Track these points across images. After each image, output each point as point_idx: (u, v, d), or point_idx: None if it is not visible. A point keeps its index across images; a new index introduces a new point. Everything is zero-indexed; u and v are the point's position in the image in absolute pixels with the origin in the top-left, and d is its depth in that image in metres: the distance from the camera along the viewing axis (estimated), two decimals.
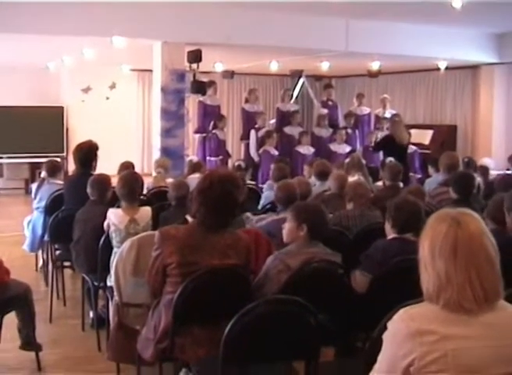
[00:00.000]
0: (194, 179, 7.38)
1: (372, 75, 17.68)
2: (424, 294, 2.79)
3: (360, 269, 5.14)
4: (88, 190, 7.15)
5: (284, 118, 15.85)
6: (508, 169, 12.48)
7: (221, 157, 14.96)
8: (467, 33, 15.40)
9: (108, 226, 6.50)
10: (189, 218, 4.88)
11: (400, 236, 5.22)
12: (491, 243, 2.76)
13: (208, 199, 4.40)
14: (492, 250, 2.75)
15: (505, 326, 2.74)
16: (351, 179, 8.89)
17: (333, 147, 15.21)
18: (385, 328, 2.84)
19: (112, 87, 20.66)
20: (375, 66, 16.82)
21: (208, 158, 14.82)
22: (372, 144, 14.84)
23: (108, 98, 20.57)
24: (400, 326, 2.74)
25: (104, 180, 7.23)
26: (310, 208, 5.18)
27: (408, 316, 2.75)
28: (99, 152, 8.48)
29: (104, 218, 6.54)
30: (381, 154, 13.88)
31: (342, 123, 16.55)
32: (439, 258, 2.72)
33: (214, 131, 14.93)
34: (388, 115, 16.11)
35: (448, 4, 11.23)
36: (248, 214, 6.95)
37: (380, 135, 14.83)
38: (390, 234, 5.32)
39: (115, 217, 6.49)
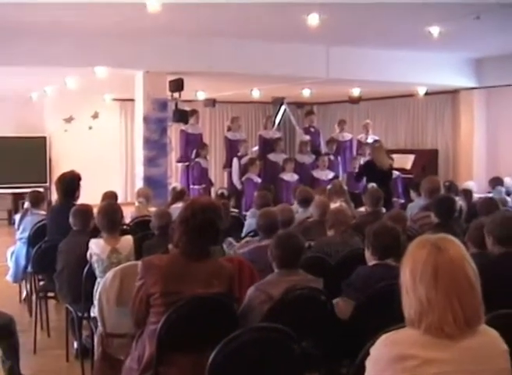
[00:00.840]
0: (177, 209, 7.38)
1: (353, 101, 17.83)
2: (406, 319, 2.81)
3: (342, 296, 5.15)
4: (71, 220, 7.14)
5: (267, 145, 15.88)
6: (490, 192, 12.55)
7: (204, 185, 14.98)
8: (446, 58, 15.55)
9: (91, 256, 6.50)
10: (171, 247, 4.89)
11: (380, 262, 5.24)
12: (471, 268, 2.79)
13: (190, 228, 4.41)
14: (472, 275, 2.77)
15: (486, 351, 2.76)
16: (333, 205, 8.93)
17: (316, 173, 15.23)
18: (367, 354, 2.86)
19: (95, 116, 20.70)
20: (355, 92, 16.96)
21: (191, 186, 14.84)
22: (356, 170, 14.90)
23: (90, 128, 20.60)
24: (382, 351, 2.77)
25: (86, 210, 7.23)
26: (279, 239, 5.21)
27: (390, 341, 2.78)
28: (82, 182, 8.48)
29: (87, 248, 6.53)
30: (364, 180, 13.89)
31: (324, 149, 16.57)
32: (421, 284, 2.74)
33: (197, 160, 14.97)
34: (370, 140, 16.22)
35: (426, 31, 11.38)
36: (230, 239, 6.97)
37: (363, 161, 14.87)
38: (371, 261, 5.34)
39: (96, 247, 6.48)
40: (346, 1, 9.91)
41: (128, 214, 9.52)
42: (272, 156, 15.49)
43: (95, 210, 7.10)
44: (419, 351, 2.69)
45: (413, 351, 2.70)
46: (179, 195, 10.86)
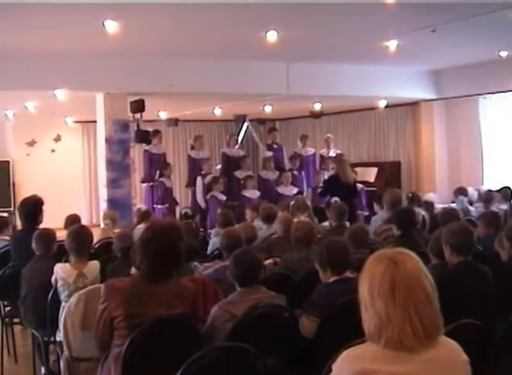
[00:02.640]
0: (140, 230, 7.39)
1: (315, 116, 17.87)
2: (366, 333, 2.83)
3: (306, 314, 5.16)
4: (33, 245, 7.10)
5: (230, 163, 15.89)
6: (453, 202, 12.67)
7: (168, 205, 14.94)
8: (405, 71, 15.71)
9: (56, 280, 6.46)
10: (133, 271, 4.89)
11: (339, 277, 5.27)
12: (428, 280, 2.82)
13: (151, 251, 4.43)
14: (429, 287, 2.80)
15: (446, 362, 2.79)
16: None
17: (280, 189, 15.25)
18: (329, 370, 2.88)
19: (57, 139, 20.60)
20: (317, 107, 17.02)
21: (155, 206, 14.80)
22: (321, 185, 14.92)
23: (53, 151, 20.50)
24: (343, 367, 2.79)
25: (48, 234, 7.19)
26: (235, 258, 5.27)
27: (351, 356, 2.80)
28: (46, 206, 8.45)
29: (51, 273, 6.49)
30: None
31: (288, 165, 16.64)
32: (378, 299, 2.76)
33: (160, 179, 14.94)
34: (333, 154, 16.29)
35: (384, 45, 11.48)
36: (195, 263, 6.95)
37: (327, 175, 14.92)
38: (329, 278, 5.35)
39: (62, 272, 6.44)
40: (303, 17, 10.02)
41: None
42: (238, 173, 15.49)
43: (59, 234, 7.08)
44: (380, 366, 2.71)
45: (374, 365, 2.72)
46: (144, 216, 10.87)
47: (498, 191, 12.58)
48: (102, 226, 10.78)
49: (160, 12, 9.40)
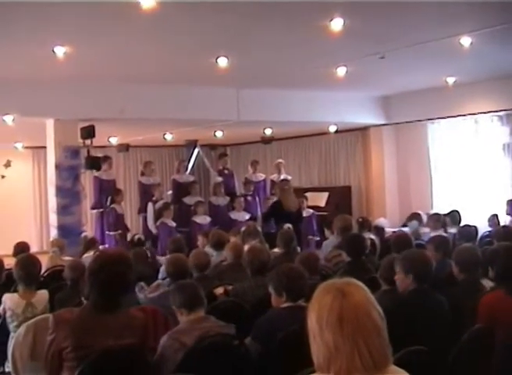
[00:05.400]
0: (89, 258, 7.33)
1: (266, 141, 17.94)
2: (315, 364, 2.81)
3: (250, 338, 5.17)
4: None
5: (181, 189, 15.84)
6: (405, 226, 12.76)
7: (120, 231, 14.82)
8: (355, 96, 15.88)
9: (4, 310, 6.40)
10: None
11: (292, 304, 5.29)
12: (376, 311, 2.81)
13: (99, 281, 4.40)
14: (377, 317, 2.80)
15: None
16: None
17: (233, 215, 15.21)
18: None
19: (7, 165, 20.32)
20: (267, 132, 17.10)
21: (106, 232, 14.69)
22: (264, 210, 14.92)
23: (3, 177, 20.23)
24: None
25: None
26: (177, 290, 5.29)
27: None
28: None
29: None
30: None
31: (239, 190, 16.65)
32: (327, 330, 2.75)
33: (112, 206, 14.82)
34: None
35: (333, 71, 11.60)
36: (142, 284, 6.90)
37: None
38: (281, 304, 5.37)
39: (11, 302, 6.40)
40: (253, 44, 10.11)
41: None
42: (187, 200, 15.42)
43: (8, 261, 7.00)
44: None
45: None
46: (89, 244, 10.80)
47: (447, 214, 12.68)
48: (50, 253, 10.67)
49: (110, 37, 9.39)
